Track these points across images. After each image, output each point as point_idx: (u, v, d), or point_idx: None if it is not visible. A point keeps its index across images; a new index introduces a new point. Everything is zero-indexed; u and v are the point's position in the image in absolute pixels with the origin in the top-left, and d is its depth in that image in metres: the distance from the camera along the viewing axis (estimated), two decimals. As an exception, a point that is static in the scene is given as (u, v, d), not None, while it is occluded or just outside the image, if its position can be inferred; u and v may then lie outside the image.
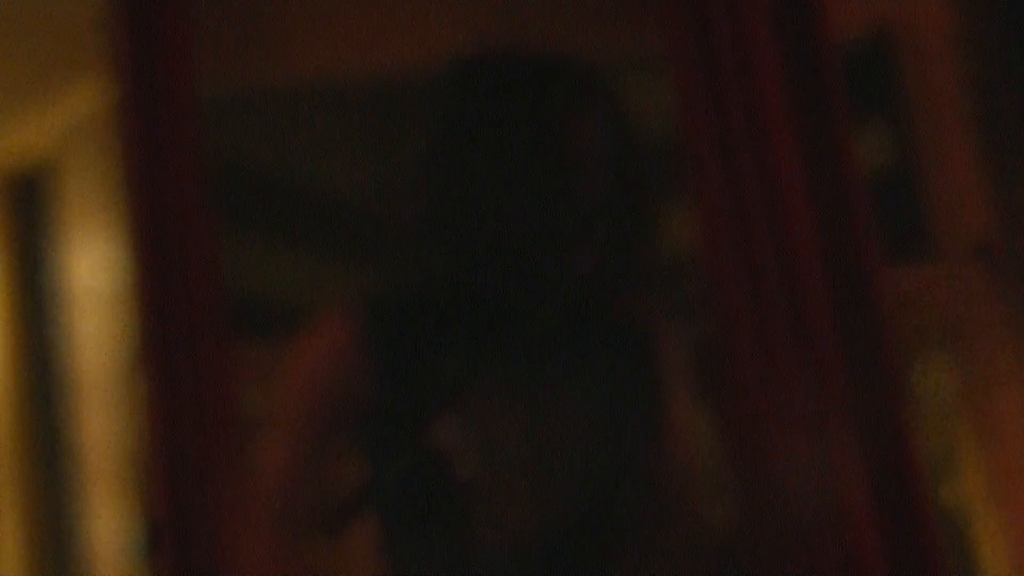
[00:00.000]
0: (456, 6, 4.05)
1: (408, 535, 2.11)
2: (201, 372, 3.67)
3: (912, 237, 4.22)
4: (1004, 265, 4.01)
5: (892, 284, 3.83)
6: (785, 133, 3.89)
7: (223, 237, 3.84)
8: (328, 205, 4.29)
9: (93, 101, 4.07)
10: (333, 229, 4.25)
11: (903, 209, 4.24)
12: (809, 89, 3.93)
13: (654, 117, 3.90)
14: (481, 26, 3.94)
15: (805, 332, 3.76)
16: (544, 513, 2.10)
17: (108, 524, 3.88)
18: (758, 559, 2.21)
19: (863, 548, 3.63)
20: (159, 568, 3.55)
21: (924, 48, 4.26)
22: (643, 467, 2.14)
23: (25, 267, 4.35)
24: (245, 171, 4.25)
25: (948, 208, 4.17)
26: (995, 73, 4.40)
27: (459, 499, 1.93)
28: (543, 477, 2.11)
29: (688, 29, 3.90)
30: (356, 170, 4.28)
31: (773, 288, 3.78)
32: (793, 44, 3.95)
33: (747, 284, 3.78)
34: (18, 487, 4.14)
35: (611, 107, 2.16)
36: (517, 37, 3.93)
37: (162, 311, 3.70)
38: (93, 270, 4.05)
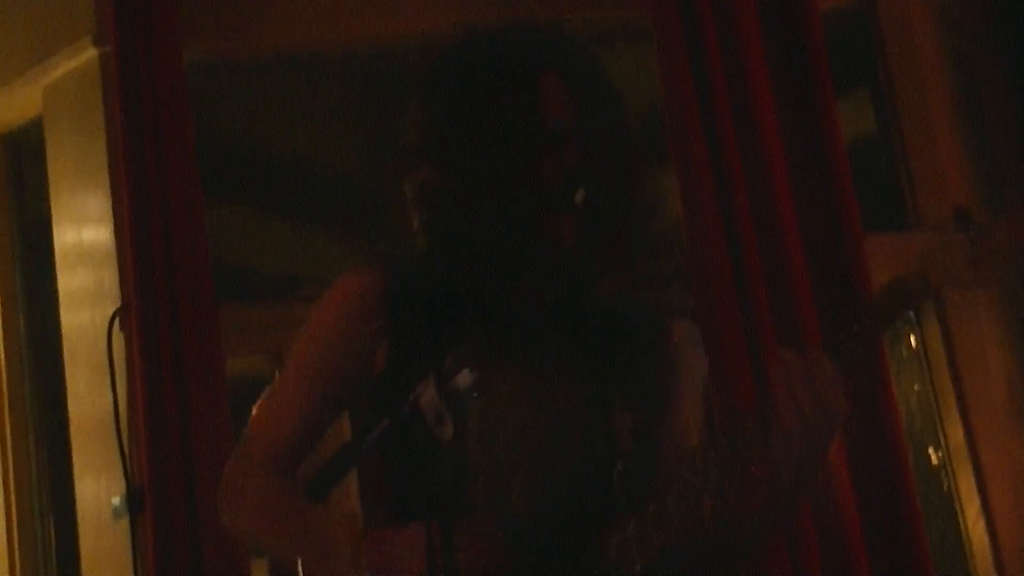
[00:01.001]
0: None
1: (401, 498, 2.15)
2: (185, 335, 3.69)
3: (893, 205, 4.23)
4: (984, 231, 4.02)
5: (873, 251, 3.84)
6: (767, 102, 3.90)
7: (209, 203, 3.85)
8: (313, 173, 4.29)
9: (81, 59, 4.08)
10: (319, 197, 4.25)
11: (885, 178, 4.25)
12: (792, 58, 3.94)
13: (637, 87, 3.90)
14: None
15: (785, 299, 3.78)
16: (541, 493, 2.13)
17: (94, 484, 3.89)
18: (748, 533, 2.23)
19: (840, 511, 3.66)
20: (141, 529, 3.57)
21: (907, 18, 4.27)
22: (642, 444, 2.15)
23: (12, 224, 4.36)
24: (231, 138, 4.25)
25: (929, 176, 4.18)
26: (976, 43, 4.41)
27: (452, 469, 1.95)
28: (541, 457, 2.13)
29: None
30: (342, 139, 4.29)
31: (754, 255, 3.79)
32: (776, 14, 3.96)
33: (728, 251, 3.79)
34: (6, 447, 4.15)
35: (596, 83, 2.17)
36: (504, 8, 3.96)
37: (147, 275, 3.71)
38: (80, 227, 4.05)
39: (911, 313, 4.10)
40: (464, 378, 1.84)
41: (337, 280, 2.29)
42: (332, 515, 2.13)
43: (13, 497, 4.11)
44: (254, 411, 2.30)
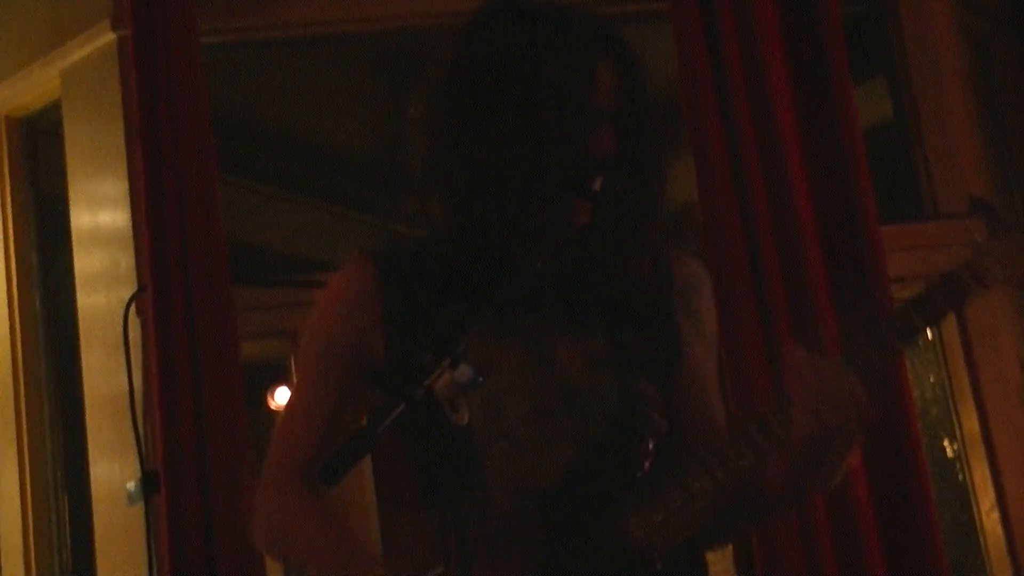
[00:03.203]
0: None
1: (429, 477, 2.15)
2: (200, 318, 3.69)
3: (909, 193, 4.22)
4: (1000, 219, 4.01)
5: (889, 240, 3.84)
6: (784, 89, 3.90)
7: (224, 184, 3.85)
8: (328, 154, 4.29)
9: (98, 43, 4.09)
10: (334, 177, 4.26)
11: (901, 169, 4.24)
12: (808, 43, 3.94)
13: (654, 71, 3.89)
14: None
15: (800, 287, 3.77)
16: (550, 462, 2.13)
17: (108, 467, 3.90)
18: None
19: (853, 495, 3.66)
20: (155, 511, 3.58)
21: (922, 5, 4.26)
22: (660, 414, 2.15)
23: (29, 206, 4.38)
24: (247, 120, 4.25)
25: (945, 163, 4.17)
26: (993, 27, 4.40)
27: (462, 447, 1.94)
28: (545, 428, 2.13)
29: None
30: (357, 119, 4.28)
31: (769, 242, 3.78)
32: (793, -1, 3.96)
33: (743, 238, 3.79)
34: (21, 429, 4.17)
35: (643, 83, 2.17)
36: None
37: (163, 257, 3.71)
38: (96, 210, 4.06)
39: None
40: (462, 373, 1.84)
41: (329, 279, 2.28)
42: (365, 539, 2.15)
43: (28, 479, 4.12)
44: (277, 427, 2.30)
